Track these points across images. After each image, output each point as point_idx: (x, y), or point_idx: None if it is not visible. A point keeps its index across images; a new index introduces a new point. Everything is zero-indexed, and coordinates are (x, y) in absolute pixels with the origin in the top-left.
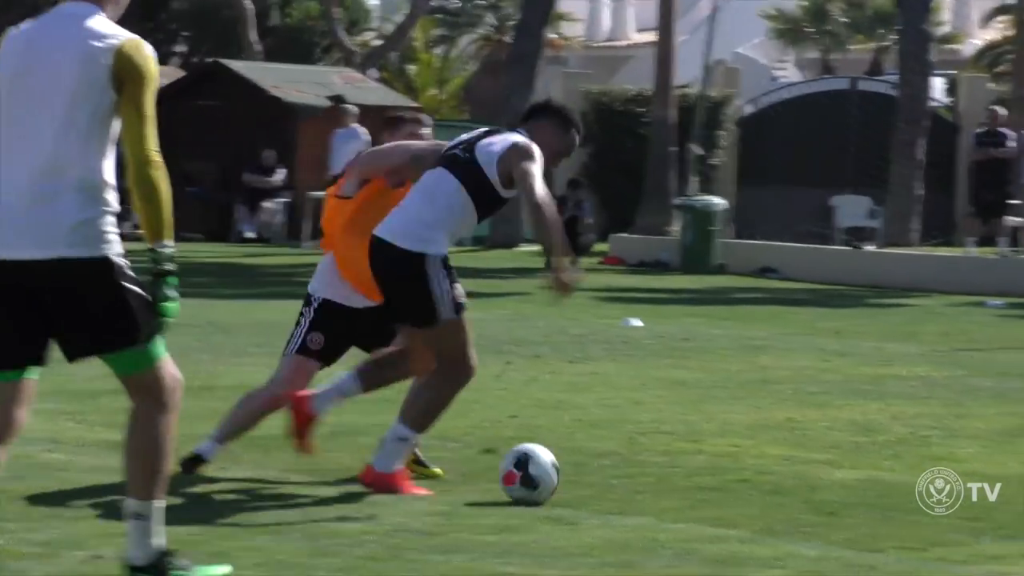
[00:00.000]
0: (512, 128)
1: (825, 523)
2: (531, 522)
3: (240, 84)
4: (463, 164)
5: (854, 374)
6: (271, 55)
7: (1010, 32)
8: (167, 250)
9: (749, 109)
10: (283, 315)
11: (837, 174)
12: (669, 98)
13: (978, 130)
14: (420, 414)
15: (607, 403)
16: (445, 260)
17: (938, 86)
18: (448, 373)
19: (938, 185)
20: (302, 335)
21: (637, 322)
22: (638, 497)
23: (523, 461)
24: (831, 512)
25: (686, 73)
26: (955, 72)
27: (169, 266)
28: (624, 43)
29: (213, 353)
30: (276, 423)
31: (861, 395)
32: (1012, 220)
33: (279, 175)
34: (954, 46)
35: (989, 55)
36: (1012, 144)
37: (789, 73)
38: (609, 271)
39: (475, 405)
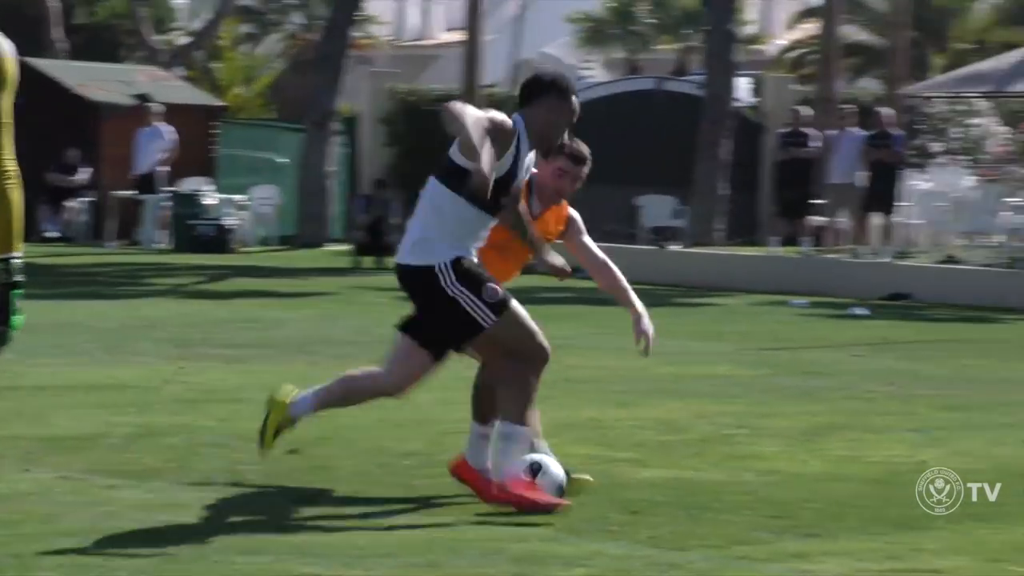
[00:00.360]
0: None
1: (630, 522)
2: (336, 522)
3: (44, 82)
4: (442, 164)
5: (659, 373)
6: (77, 53)
7: (815, 32)
8: (18, 261)
9: None
10: (86, 315)
11: (643, 174)
12: (476, 98)
13: (782, 130)
14: (515, 405)
15: (413, 402)
16: (457, 264)
17: (743, 86)
18: (525, 364)
19: (743, 185)
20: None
21: None
22: (441, 497)
23: (536, 470)
24: (636, 511)
25: (493, 73)
26: (760, 72)
27: (20, 277)
28: (431, 42)
29: (15, 353)
30: (71, 426)
31: (666, 394)
32: (815, 220)
33: (83, 174)
34: (759, 47)
35: (793, 56)
36: (816, 144)
37: (596, 73)
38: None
39: None
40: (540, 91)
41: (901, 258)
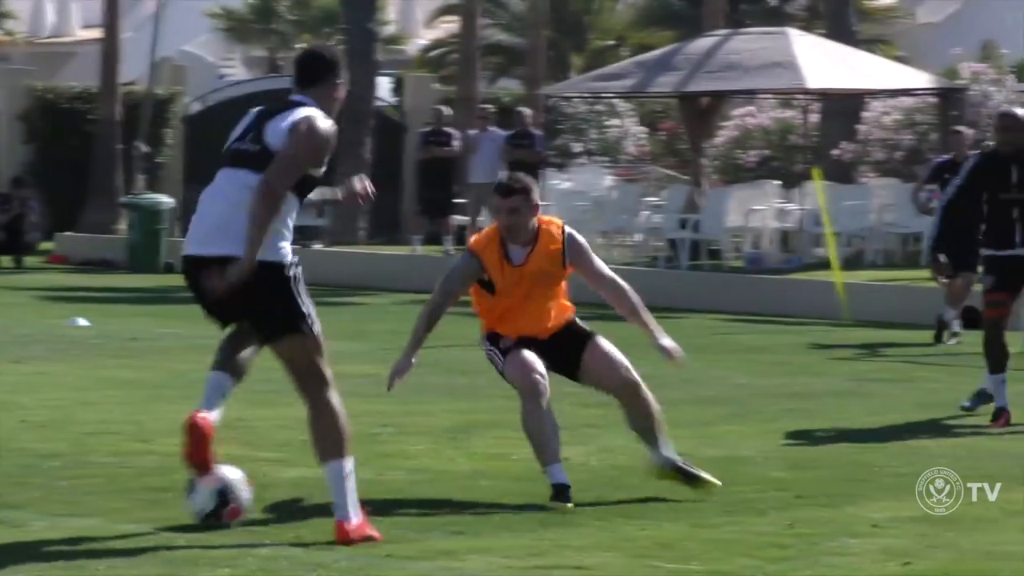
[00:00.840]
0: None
1: (275, 522)
2: None
3: None
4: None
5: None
6: None
7: (455, 32)
8: None
9: (196, 107)
10: None
11: None
12: (115, 95)
13: (423, 129)
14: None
15: (54, 404)
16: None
17: (384, 86)
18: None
19: (384, 184)
20: None
21: (83, 322)
22: (87, 498)
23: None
24: (280, 511)
25: (132, 70)
26: (401, 72)
27: None
28: (69, 39)
29: None
30: None
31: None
32: (457, 219)
33: None
34: (400, 46)
35: (434, 55)
36: (456, 143)
37: (236, 71)
38: (54, 270)
39: None
40: (328, 71)
41: None
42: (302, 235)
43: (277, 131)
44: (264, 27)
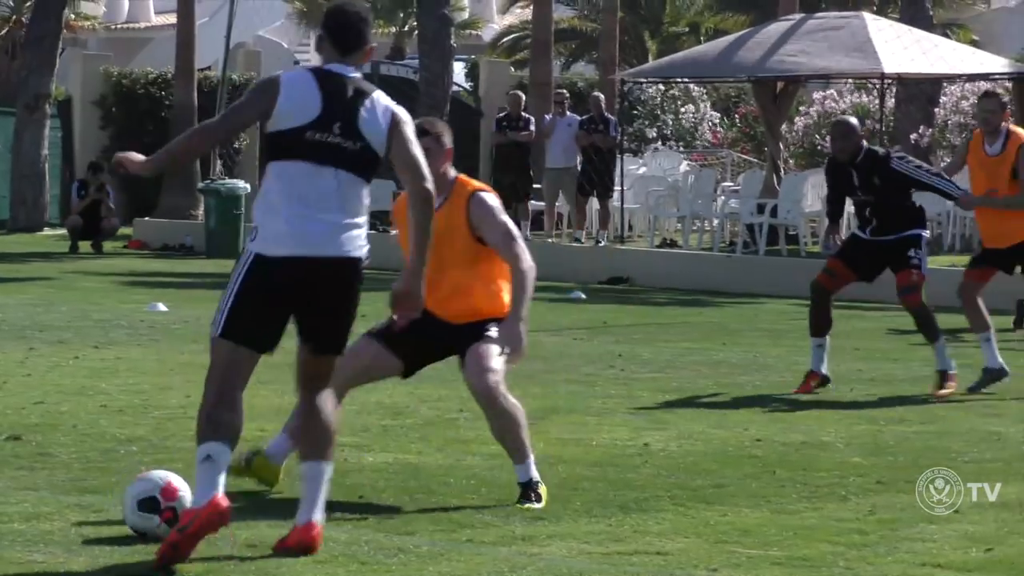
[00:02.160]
0: None
1: (355, 507)
2: (59, 509)
3: None
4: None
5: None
6: None
7: (529, 17)
8: None
9: None
10: None
11: None
12: (191, 81)
13: (499, 114)
14: None
15: (133, 388)
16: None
17: (459, 71)
18: None
19: (460, 169)
20: None
21: (162, 307)
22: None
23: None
24: (361, 495)
25: (208, 56)
26: (475, 57)
27: None
28: (144, 25)
29: None
30: None
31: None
32: (533, 204)
33: None
34: (475, 31)
35: (508, 40)
36: (532, 128)
37: (311, 56)
38: (133, 255)
39: None
40: (368, 35)
41: (619, 242)
42: (380, 221)
43: (375, 127)
44: None
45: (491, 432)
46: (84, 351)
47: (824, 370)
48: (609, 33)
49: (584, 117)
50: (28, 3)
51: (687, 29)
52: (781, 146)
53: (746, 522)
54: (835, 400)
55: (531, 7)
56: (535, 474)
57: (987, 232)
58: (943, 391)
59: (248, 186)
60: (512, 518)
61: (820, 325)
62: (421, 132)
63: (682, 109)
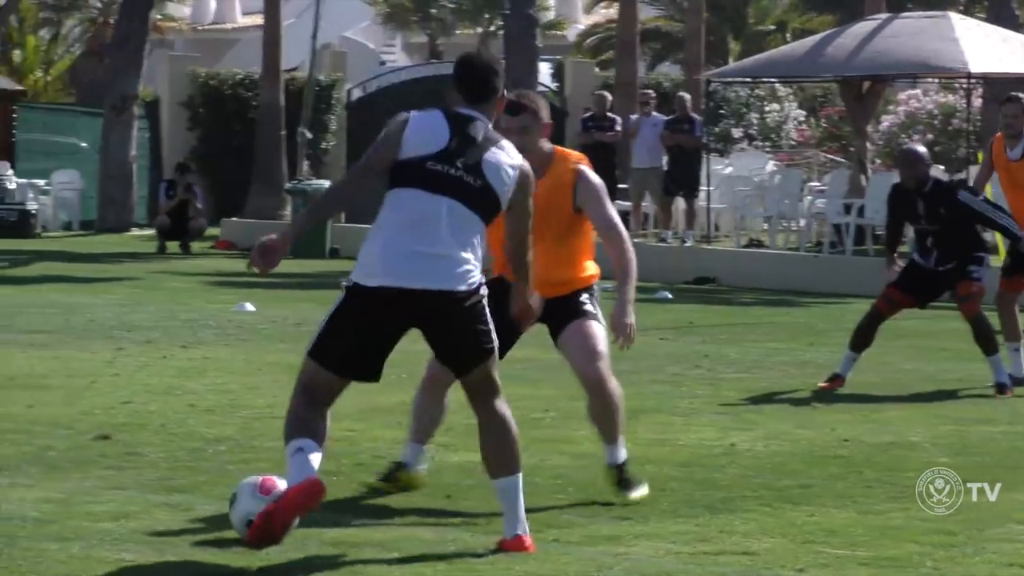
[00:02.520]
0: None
1: (441, 506)
2: (147, 508)
3: None
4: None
5: None
6: None
7: (613, 17)
8: None
9: (358, 93)
10: None
11: None
12: (277, 82)
13: (584, 114)
14: None
15: (221, 388)
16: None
17: (544, 71)
18: None
19: None
20: None
21: (250, 307)
22: None
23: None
24: (448, 495)
25: (294, 57)
26: (561, 57)
27: None
28: (230, 26)
29: None
30: None
31: None
32: (619, 204)
33: None
34: (560, 32)
35: (593, 40)
36: (618, 128)
37: (397, 57)
38: (221, 256)
39: (87, 392)
40: (499, 86)
41: (705, 242)
42: None
43: (498, 172)
44: (424, 14)
45: (588, 412)
46: (172, 351)
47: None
48: (694, 33)
49: (669, 117)
50: (115, 4)
51: (772, 28)
52: (868, 145)
53: (833, 522)
54: (922, 401)
55: (616, 7)
56: (624, 455)
57: None
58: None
59: None
60: (598, 518)
61: (862, 343)
62: (518, 108)
63: (767, 108)
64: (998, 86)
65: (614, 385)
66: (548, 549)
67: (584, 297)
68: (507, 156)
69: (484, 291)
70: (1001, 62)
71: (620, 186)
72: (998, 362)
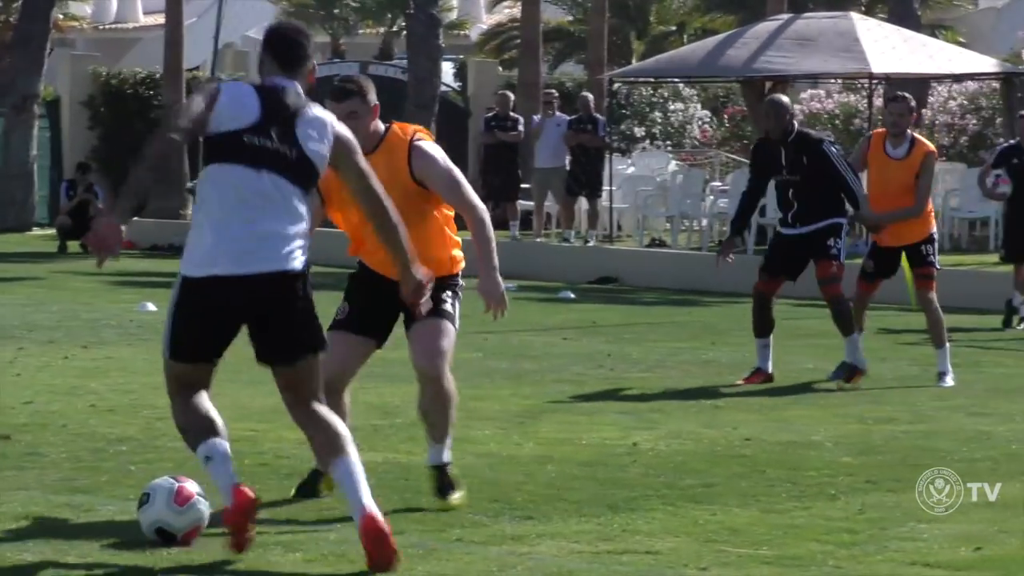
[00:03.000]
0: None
1: (344, 506)
2: (49, 509)
3: None
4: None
5: (371, 357)
6: None
7: (517, 17)
8: None
9: None
10: None
11: None
12: (180, 81)
13: (487, 114)
14: None
15: (123, 388)
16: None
17: (447, 71)
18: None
19: None
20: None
21: (152, 307)
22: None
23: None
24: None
25: (196, 56)
26: (464, 57)
27: None
28: (132, 25)
29: None
30: None
31: (377, 378)
32: (521, 204)
33: None
34: (463, 31)
35: (496, 40)
36: (521, 128)
37: None
38: (122, 255)
39: None
40: (310, 53)
41: (608, 242)
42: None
43: (311, 139)
44: (327, 13)
45: (419, 406)
46: (74, 351)
47: (770, 368)
48: (597, 33)
49: (572, 117)
50: (16, 3)
51: (674, 29)
52: None
53: (736, 521)
54: (824, 399)
55: (519, 6)
56: (448, 457)
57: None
58: (850, 383)
59: None
60: (501, 517)
61: (764, 328)
62: (343, 93)
63: (671, 108)
64: (900, 86)
65: (451, 386)
66: (451, 548)
67: (446, 295)
68: (318, 120)
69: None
70: (902, 62)
71: (523, 186)
72: (855, 343)
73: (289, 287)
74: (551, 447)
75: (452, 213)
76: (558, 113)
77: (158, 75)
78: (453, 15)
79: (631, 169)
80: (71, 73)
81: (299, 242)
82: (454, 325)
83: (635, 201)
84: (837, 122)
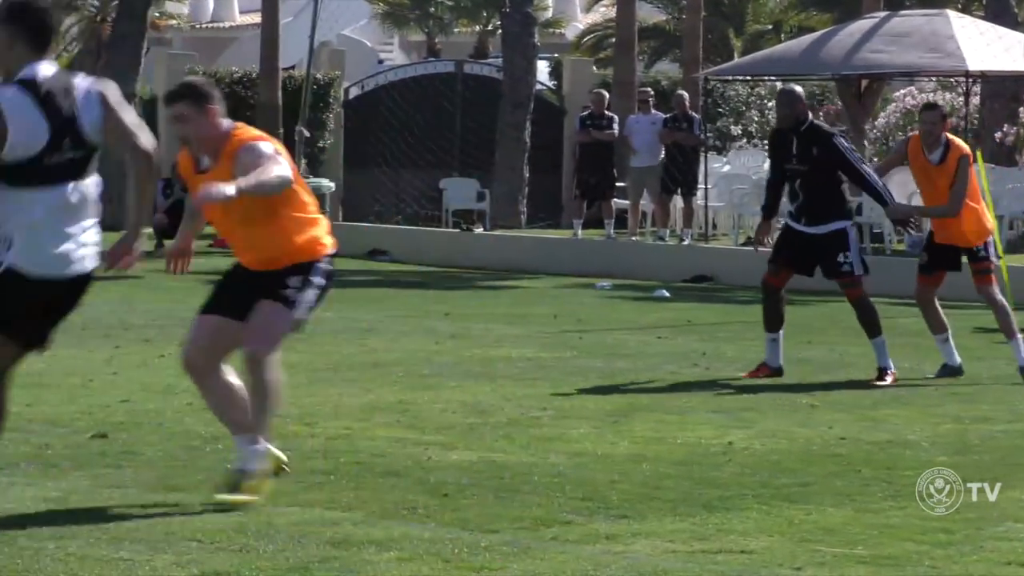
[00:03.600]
0: None
1: (439, 504)
2: (144, 507)
3: None
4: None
5: (465, 356)
6: None
7: (612, 15)
8: None
9: (355, 91)
10: None
11: (445, 156)
12: (275, 80)
13: (582, 113)
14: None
15: None
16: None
17: (543, 69)
18: None
19: (545, 168)
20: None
21: None
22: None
23: None
24: (445, 493)
25: (292, 55)
26: (559, 56)
27: None
28: (228, 24)
29: None
30: None
31: (473, 377)
32: (617, 202)
33: None
34: (558, 30)
35: (591, 39)
36: (616, 127)
37: (395, 56)
38: (218, 254)
39: (84, 391)
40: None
41: (703, 240)
42: (464, 219)
43: (89, 121)
44: (422, 12)
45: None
46: (170, 349)
47: (780, 363)
48: (692, 31)
49: (668, 115)
50: (113, 3)
51: (770, 27)
52: (865, 144)
53: (830, 521)
54: (920, 399)
55: (615, 5)
56: (256, 464)
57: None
58: (881, 383)
59: (333, 185)
60: (596, 516)
61: (774, 323)
62: (172, 97)
63: (768, 106)
64: (996, 84)
65: (271, 375)
66: (546, 547)
67: (294, 280)
68: (85, 94)
69: None
70: (998, 60)
71: (619, 184)
72: (881, 345)
73: (85, 287)
74: (645, 446)
75: (308, 199)
76: (653, 111)
77: (254, 74)
78: (548, 13)
79: (727, 167)
80: (167, 72)
81: (99, 241)
82: (293, 312)
83: (730, 199)
84: None
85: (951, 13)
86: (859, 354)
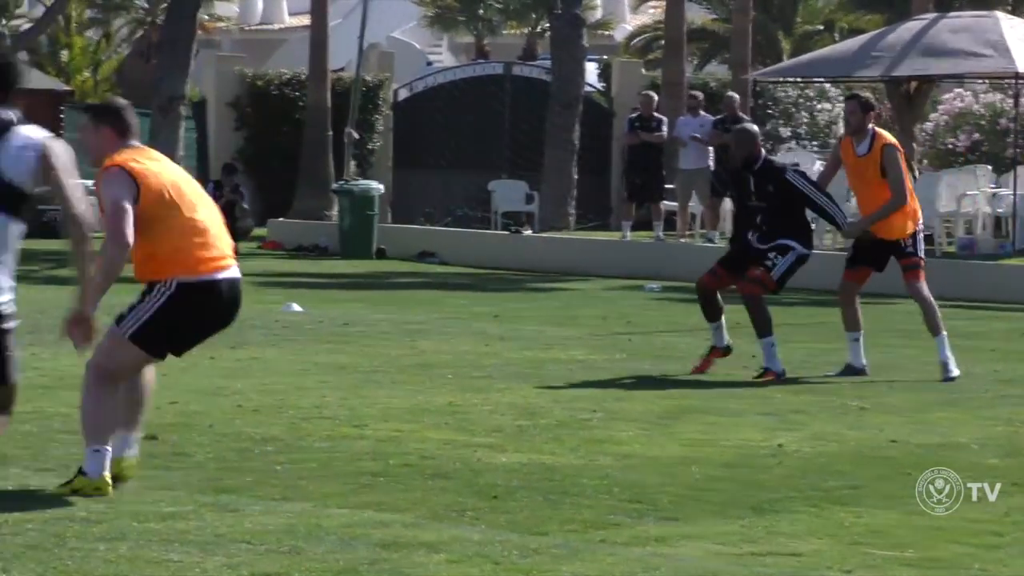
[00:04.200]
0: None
1: (489, 506)
2: (195, 509)
3: None
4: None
5: (514, 358)
6: None
7: (661, 17)
8: None
9: (404, 93)
10: None
11: (494, 158)
12: (324, 82)
13: (631, 115)
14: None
15: (268, 388)
16: None
17: (591, 71)
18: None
19: (593, 169)
20: None
21: (297, 307)
22: (301, 482)
23: None
24: (495, 496)
25: (341, 57)
26: (608, 57)
27: None
28: (278, 26)
29: None
30: None
31: (522, 379)
32: (666, 204)
33: None
34: (607, 32)
35: (640, 40)
36: (665, 129)
37: (444, 57)
38: (268, 256)
39: None
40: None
41: None
42: (513, 221)
43: (17, 164)
44: (471, 14)
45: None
46: (219, 351)
47: (725, 342)
48: (741, 33)
49: (717, 117)
50: (163, 5)
51: (820, 28)
52: (915, 146)
53: (880, 523)
54: (969, 402)
55: (663, 7)
56: (98, 468)
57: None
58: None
59: (382, 187)
60: (645, 518)
61: (712, 314)
62: (84, 109)
63: (817, 107)
64: None
65: (95, 385)
66: (595, 549)
67: (132, 302)
68: (24, 140)
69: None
70: None
71: (668, 186)
72: (768, 346)
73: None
74: (694, 448)
75: (184, 221)
76: (703, 113)
77: (303, 76)
78: (597, 15)
79: None
80: (217, 74)
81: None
82: (124, 331)
83: None
84: (983, 122)
85: (1000, 14)
86: (909, 356)
